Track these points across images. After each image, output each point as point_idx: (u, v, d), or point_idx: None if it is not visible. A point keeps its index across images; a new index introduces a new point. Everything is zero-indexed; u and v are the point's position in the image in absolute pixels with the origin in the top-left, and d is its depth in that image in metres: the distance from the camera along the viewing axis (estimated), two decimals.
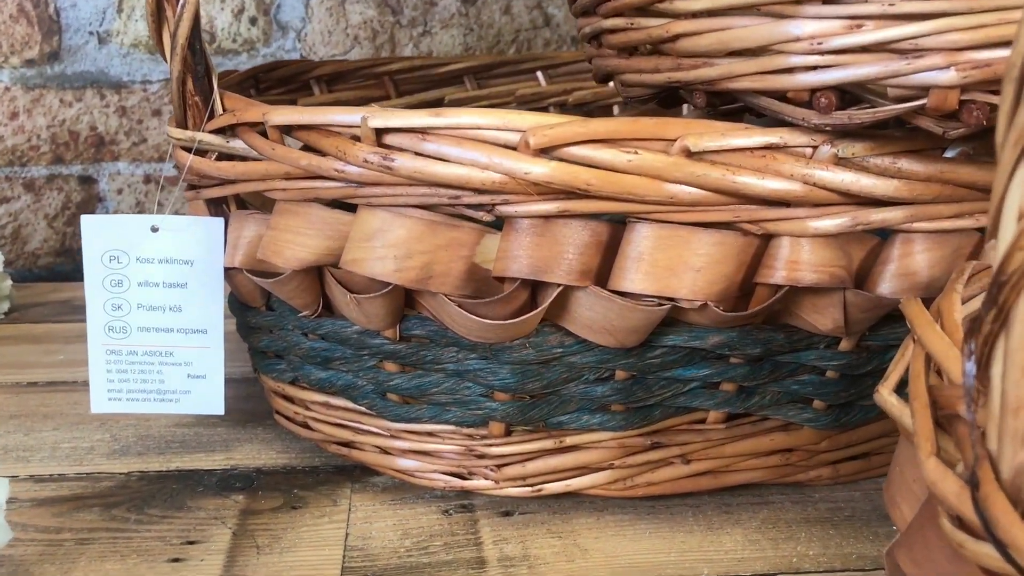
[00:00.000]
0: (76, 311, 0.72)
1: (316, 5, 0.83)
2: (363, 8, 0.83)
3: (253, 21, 0.82)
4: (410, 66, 0.71)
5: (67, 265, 0.86)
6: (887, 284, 0.39)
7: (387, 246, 0.39)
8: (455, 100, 0.73)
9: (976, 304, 0.33)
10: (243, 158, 0.43)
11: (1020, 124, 0.21)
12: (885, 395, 0.29)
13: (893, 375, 0.30)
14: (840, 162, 0.36)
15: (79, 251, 0.85)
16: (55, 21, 0.80)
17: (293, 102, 0.66)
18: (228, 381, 0.48)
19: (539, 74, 0.74)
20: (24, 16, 0.80)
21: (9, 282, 0.72)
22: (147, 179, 0.84)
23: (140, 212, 0.85)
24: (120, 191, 0.84)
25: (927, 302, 0.34)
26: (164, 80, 0.82)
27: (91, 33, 0.81)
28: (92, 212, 0.85)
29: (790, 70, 0.35)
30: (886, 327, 0.43)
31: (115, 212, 0.85)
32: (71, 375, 0.60)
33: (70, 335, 0.67)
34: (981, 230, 0.40)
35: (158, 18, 0.43)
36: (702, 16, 0.37)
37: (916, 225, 0.38)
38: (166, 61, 0.44)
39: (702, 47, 0.37)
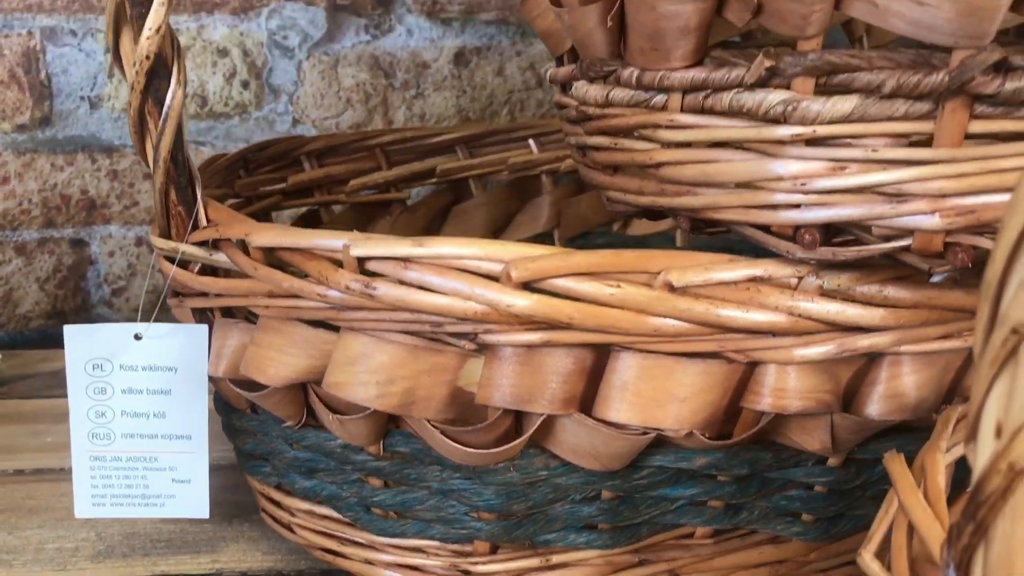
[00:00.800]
0: (65, 385, 0.71)
1: (308, 68, 0.82)
2: (355, 71, 0.83)
3: (245, 85, 0.82)
4: (401, 137, 0.71)
5: (58, 327, 0.85)
6: (875, 406, 0.39)
7: (369, 371, 0.39)
8: (446, 169, 0.73)
9: (962, 449, 0.33)
10: (226, 271, 0.43)
11: (996, 343, 0.21)
12: (868, 560, 0.29)
13: (876, 537, 0.29)
14: (825, 293, 0.36)
15: (70, 312, 0.85)
16: (46, 87, 0.80)
17: (284, 179, 0.66)
18: (215, 469, 0.48)
19: (531, 142, 0.74)
20: (15, 82, 0.80)
21: None
22: (139, 241, 0.84)
23: (132, 274, 0.85)
24: (112, 253, 0.84)
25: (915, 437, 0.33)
26: None
27: (82, 98, 0.81)
28: (84, 275, 0.84)
29: (774, 207, 0.35)
30: (875, 441, 0.42)
31: (107, 274, 0.84)
32: (59, 461, 0.60)
33: (59, 413, 0.66)
34: (970, 348, 0.39)
35: (140, 129, 0.43)
36: (686, 147, 0.37)
37: (904, 348, 0.38)
38: (149, 169, 0.43)
39: (686, 176, 0.37)
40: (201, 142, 0.83)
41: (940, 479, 0.29)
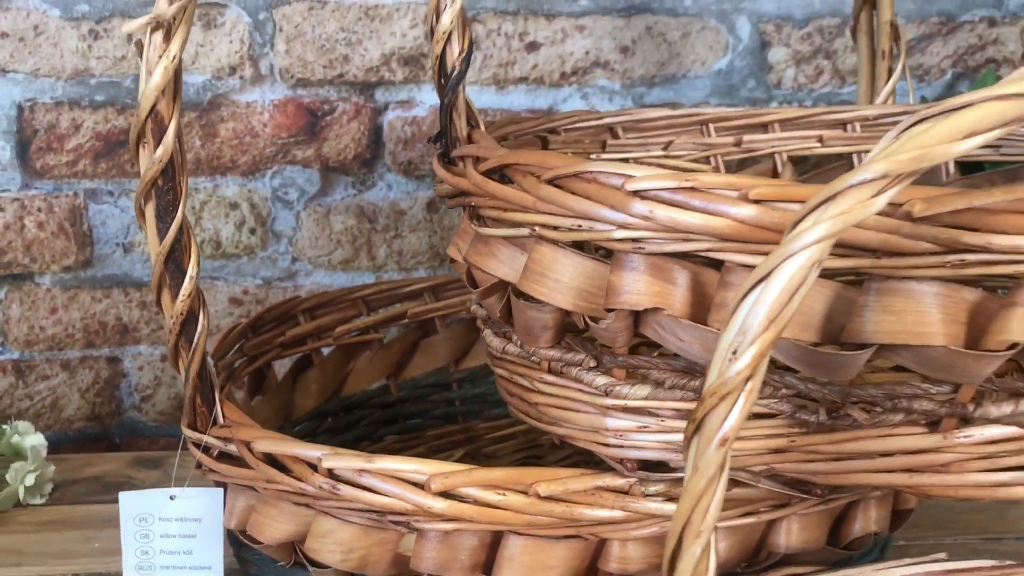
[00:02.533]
0: (108, 490, 0.88)
1: (305, 217, 0.99)
2: (344, 218, 1.00)
3: (252, 231, 0.99)
4: (378, 290, 0.88)
5: (96, 429, 1.02)
6: None
7: (336, 543, 0.55)
8: (415, 312, 0.89)
9: None
10: (238, 458, 0.60)
11: None
12: None
13: None
14: (648, 496, 0.53)
15: (106, 415, 1.02)
16: (88, 236, 0.97)
17: (283, 334, 0.82)
18: None
19: None
20: (63, 233, 0.97)
21: (52, 468, 0.88)
22: (163, 358, 1.01)
23: (158, 384, 1.01)
24: (141, 368, 1.01)
25: None
26: None
27: (117, 244, 0.98)
28: (117, 385, 1.01)
29: (607, 444, 0.51)
30: None
31: (137, 384, 1.01)
32: (106, 566, 0.76)
33: (104, 519, 0.83)
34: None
35: (175, 356, 0.60)
36: (551, 396, 0.53)
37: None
38: (182, 379, 0.60)
39: (552, 415, 0.53)
40: (215, 277, 1.00)
41: None
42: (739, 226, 0.41)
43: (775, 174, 0.77)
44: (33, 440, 0.88)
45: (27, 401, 1.00)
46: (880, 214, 0.39)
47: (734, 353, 0.32)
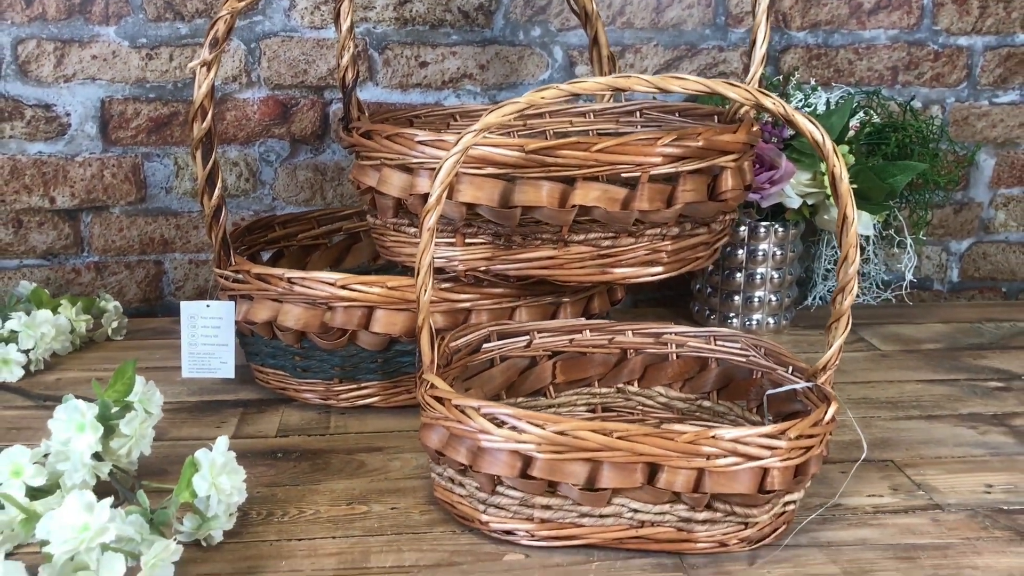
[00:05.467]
0: (157, 335, 1.45)
1: (280, 171, 1.57)
2: (305, 172, 1.57)
3: (247, 180, 1.56)
4: (325, 212, 1.46)
5: (145, 307, 1.59)
6: None
7: (292, 317, 1.13)
8: (348, 227, 1.47)
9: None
10: (243, 281, 1.17)
11: None
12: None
13: None
14: None
15: (152, 299, 1.59)
16: (143, 182, 1.54)
17: (265, 236, 1.40)
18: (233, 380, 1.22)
19: None
20: (127, 180, 1.54)
21: (126, 319, 1.45)
22: (190, 262, 1.58)
23: (186, 279, 1.59)
24: (176, 268, 1.58)
25: None
26: None
27: (162, 188, 1.55)
28: (160, 278, 1.58)
29: (412, 256, 1.09)
30: None
31: (173, 279, 1.58)
32: (165, 363, 1.33)
33: (159, 346, 1.40)
34: None
35: (210, 230, 1.17)
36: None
37: None
38: (213, 244, 1.18)
39: (395, 251, 1.11)
40: None
41: None
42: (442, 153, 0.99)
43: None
44: (113, 303, 1.45)
45: (103, 289, 1.57)
46: (510, 148, 0.97)
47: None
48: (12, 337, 1.28)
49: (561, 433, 0.81)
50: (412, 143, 1.03)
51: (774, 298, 1.47)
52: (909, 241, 1.55)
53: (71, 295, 1.43)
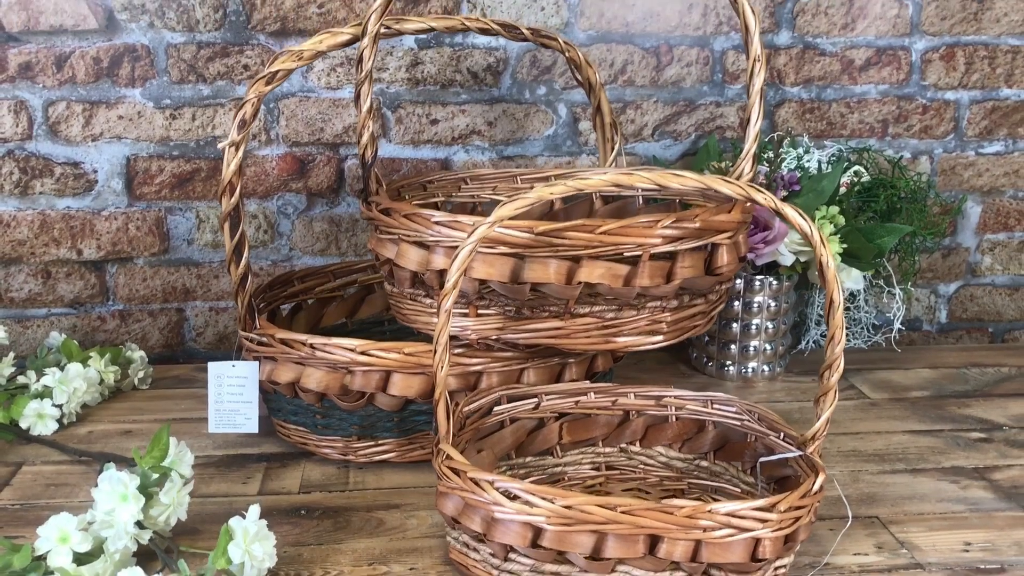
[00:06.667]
0: (181, 384, 1.52)
1: (298, 223, 1.64)
2: (321, 224, 1.64)
3: (265, 232, 1.64)
4: (341, 266, 1.53)
5: (167, 353, 1.67)
6: None
7: (314, 380, 1.20)
8: (363, 281, 1.55)
9: None
10: (267, 344, 1.24)
11: None
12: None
13: None
14: None
15: (175, 345, 1.66)
16: (166, 235, 1.61)
17: (284, 291, 1.47)
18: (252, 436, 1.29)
19: None
20: (151, 232, 1.61)
21: (151, 368, 1.52)
22: (210, 310, 1.65)
23: (206, 326, 1.66)
24: (197, 315, 1.65)
25: None
26: None
27: (184, 240, 1.62)
28: (182, 326, 1.65)
29: (429, 324, 1.16)
30: None
31: (194, 326, 1.65)
32: (190, 414, 1.40)
33: (183, 396, 1.47)
34: None
35: (236, 295, 1.24)
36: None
37: None
38: (238, 308, 1.25)
39: (411, 318, 1.19)
40: None
41: None
42: (457, 233, 1.06)
43: (552, 205, 1.42)
44: (139, 353, 1.52)
45: (127, 336, 1.65)
46: (520, 230, 1.04)
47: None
48: (47, 392, 1.35)
49: (569, 507, 0.88)
50: (428, 223, 1.10)
51: (768, 347, 1.55)
52: (898, 292, 1.62)
53: (100, 347, 1.51)
